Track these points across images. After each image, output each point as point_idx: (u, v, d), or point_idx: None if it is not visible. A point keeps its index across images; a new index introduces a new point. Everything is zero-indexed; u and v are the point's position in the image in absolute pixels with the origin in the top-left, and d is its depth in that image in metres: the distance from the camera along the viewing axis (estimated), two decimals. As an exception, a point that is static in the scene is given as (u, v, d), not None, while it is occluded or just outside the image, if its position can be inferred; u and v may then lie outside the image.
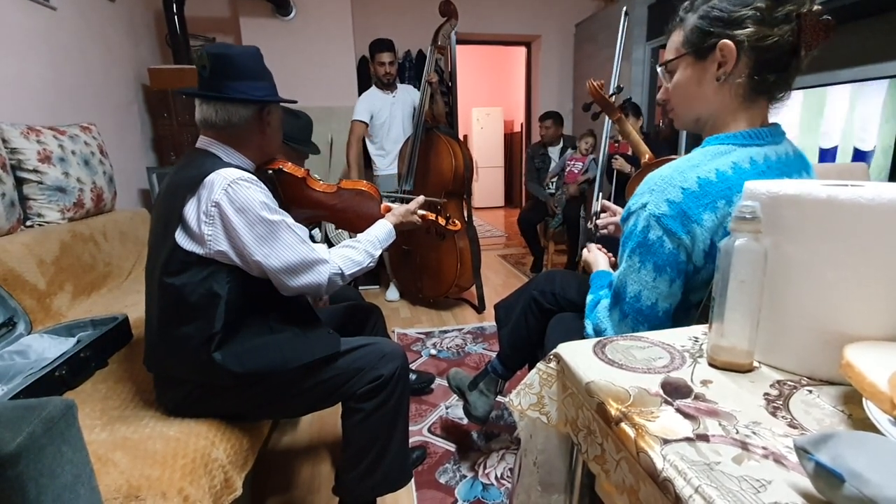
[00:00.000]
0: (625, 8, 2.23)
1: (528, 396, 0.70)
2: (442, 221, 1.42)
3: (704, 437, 0.47)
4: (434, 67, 2.73)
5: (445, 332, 2.64)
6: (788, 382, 0.58)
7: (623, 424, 0.51)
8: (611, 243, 1.15)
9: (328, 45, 3.50)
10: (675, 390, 0.56)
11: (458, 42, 4.13)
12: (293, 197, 1.29)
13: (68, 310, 1.60)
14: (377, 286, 3.44)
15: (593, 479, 0.64)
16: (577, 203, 3.46)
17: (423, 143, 2.78)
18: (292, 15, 3.41)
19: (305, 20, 3.43)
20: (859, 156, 1.96)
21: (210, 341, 1.00)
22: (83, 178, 1.89)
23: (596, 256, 1.15)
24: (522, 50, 5.00)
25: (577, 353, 0.65)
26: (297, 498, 1.45)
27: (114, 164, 2.17)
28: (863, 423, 0.47)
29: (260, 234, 0.99)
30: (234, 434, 1.09)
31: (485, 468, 1.54)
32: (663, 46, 0.90)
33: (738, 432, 0.48)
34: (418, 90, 2.83)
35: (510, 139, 7.33)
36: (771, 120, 0.84)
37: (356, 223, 1.34)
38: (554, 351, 0.68)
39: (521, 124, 6.08)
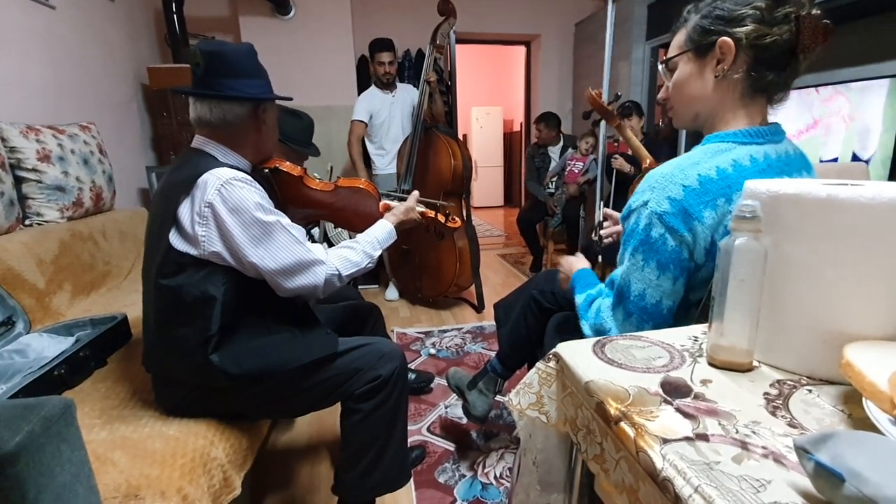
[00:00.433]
0: (611, 9, 2.20)
1: (527, 396, 0.70)
2: (441, 218, 1.42)
3: (704, 437, 0.47)
4: (433, 67, 2.72)
5: (445, 331, 2.64)
6: (788, 382, 0.58)
7: (622, 424, 0.51)
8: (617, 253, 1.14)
9: (328, 45, 3.49)
10: (674, 390, 0.56)
11: (458, 41, 4.11)
12: (290, 196, 1.28)
13: (67, 309, 1.60)
14: (376, 285, 3.44)
15: (592, 478, 0.64)
16: (576, 203, 3.46)
17: (422, 142, 2.78)
18: (292, 14, 3.40)
19: (305, 19, 3.42)
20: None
21: (207, 343, 0.99)
22: (82, 177, 1.88)
23: (570, 261, 1.13)
24: (522, 49, 5.00)
25: (576, 353, 0.65)
26: (296, 497, 1.45)
27: (113, 163, 2.16)
28: (863, 423, 0.47)
29: (254, 235, 0.98)
30: (233, 433, 1.09)
31: (484, 467, 1.54)
32: (663, 46, 0.90)
33: (737, 432, 0.48)
34: (417, 89, 2.83)
35: (509, 139, 7.34)
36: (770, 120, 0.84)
37: (354, 221, 1.34)
38: (553, 350, 0.68)
39: (521, 124, 6.09)
